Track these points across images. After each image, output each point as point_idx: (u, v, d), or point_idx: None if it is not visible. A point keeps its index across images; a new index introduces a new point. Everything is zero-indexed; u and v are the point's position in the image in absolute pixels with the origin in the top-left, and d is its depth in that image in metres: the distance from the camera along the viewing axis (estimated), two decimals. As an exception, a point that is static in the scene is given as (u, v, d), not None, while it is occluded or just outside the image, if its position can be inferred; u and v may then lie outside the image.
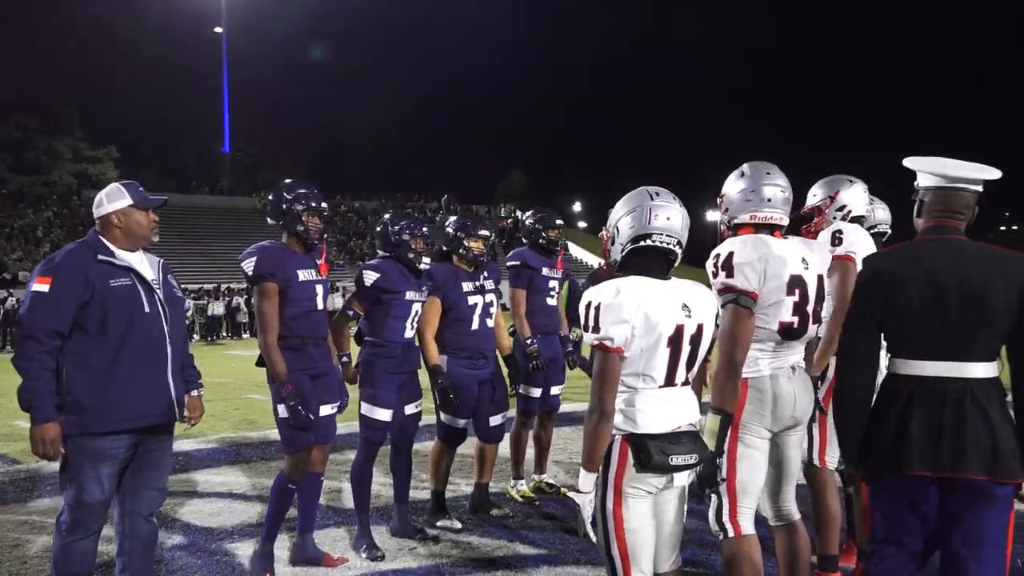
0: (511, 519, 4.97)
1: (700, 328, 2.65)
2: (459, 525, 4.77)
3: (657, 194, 2.67)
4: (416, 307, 4.53)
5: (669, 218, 2.63)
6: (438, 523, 4.80)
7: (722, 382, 2.89)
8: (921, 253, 2.52)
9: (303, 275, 4.00)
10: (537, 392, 5.35)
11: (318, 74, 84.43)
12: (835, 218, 4.00)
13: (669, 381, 2.60)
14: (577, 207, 65.99)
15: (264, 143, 65.32)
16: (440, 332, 4.72)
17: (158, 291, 3.27)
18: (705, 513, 3.14)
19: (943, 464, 2.36)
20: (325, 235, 4.23)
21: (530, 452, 5.59)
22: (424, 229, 4.55)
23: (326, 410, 4.11)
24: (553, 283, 5.37)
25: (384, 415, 4.45)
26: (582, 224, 62.18)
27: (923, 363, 2.45)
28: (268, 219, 4.16)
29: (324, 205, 4.13)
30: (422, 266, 4.51)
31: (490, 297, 4.85)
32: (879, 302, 2.52)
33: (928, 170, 2.56)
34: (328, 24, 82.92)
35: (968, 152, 2.91)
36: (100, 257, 3.16)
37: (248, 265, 3.93)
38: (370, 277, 4.43)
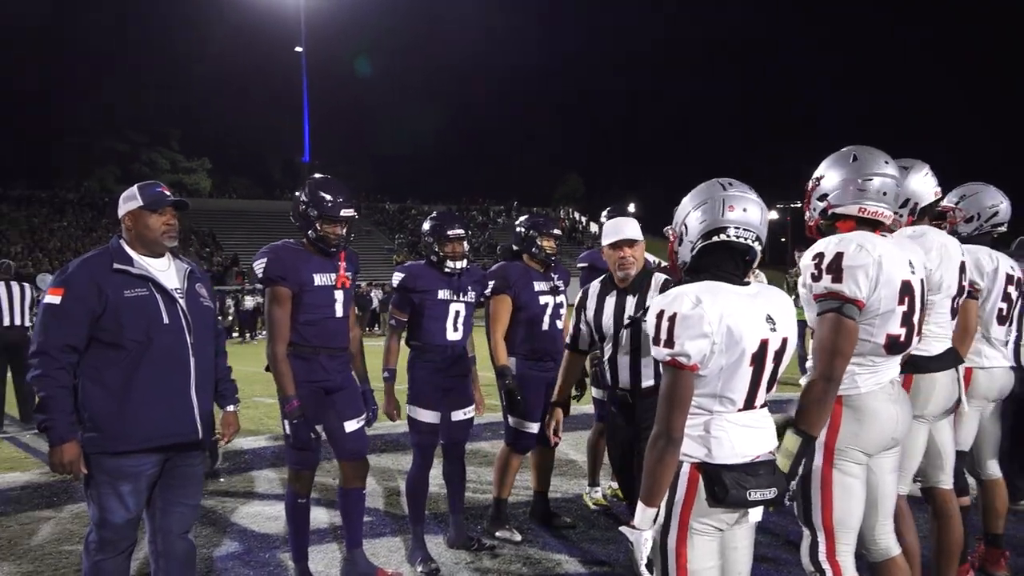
0: (573, 530, 4.43)
1: (785, 343, 2.14)
2: (519, 537, 4.26)
3: (730, 184, 2.19)
4: (455, 308, 3.99)
5: (746, 209, 2.13)
6: (497, 533, 4.30)
7: (816, 401, 2.30)
8: None
9: (319, 279, 3.48)
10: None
11: (389, 87, 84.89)
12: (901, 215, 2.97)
13: (749, 404, 2.10)
14: (631, 207, 64.85)
15: (341, 153, 66.06)
16: (509, 332, 4.24)
17: (180, 301, 2.82)
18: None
19: None
20: (352, 238, 3.61)
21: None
22: (458, 232, 3.97)
23: (351, 425, 3.60)
24: None
25: (427, 416, 3.94)
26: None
27: None
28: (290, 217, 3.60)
29: (348, 213, 3.48)
30: (447, 269, 3.96)
31: (560, 298, 4.38)
32: None
33: None
34: (396, 40, 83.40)
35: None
36: (116, 266, 2.73)
37: (259, 266, 3.43)
38: (396, 278, 4.00)
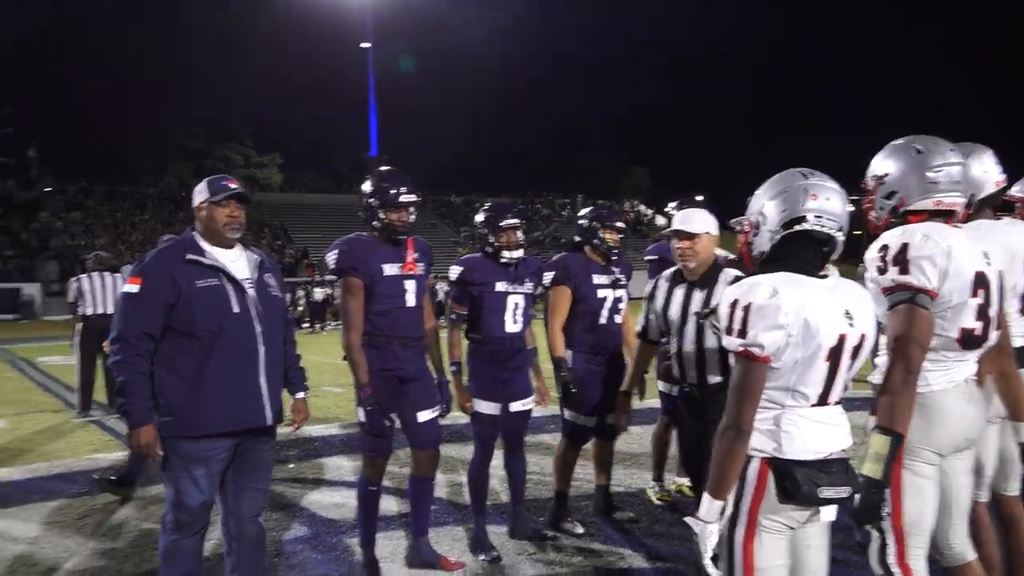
0: (636, 525, 4.41)
1: (863, 339, 2.08)
2: (581, 530, 4.25)
3: (811, 173, 2.13)
4: (513, 299, 4.00)
5: (828, 198, 2.08)
6: (559, 525, 4.31)
7: (895, 395, 2.22)
8: None
9: (389, 269, 3.55)
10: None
11: (455, 81, 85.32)
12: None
13: (823, 400, 2.05)
14: (699, 198, 63.79)
15: (407, 147, 66.71)
16: (567, 325, 4.23)
17: (250, 291, 2.91)
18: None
19: None
20: (412, 222, 3.63)
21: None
22: (512, 221, 3.95)
23: (424, 416, 3.67)
24: None
25: (487, 407, 3.98)
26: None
27: None
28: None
29: (409, 198, 3.52)
30: (503, 260, 3.96)
31: (620, 292, 4.31)
32: None
33: None
34: (463, 34, 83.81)
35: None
36: (189, 256, 2.84)
37: (331, 258, 3.55)
38: (454, 272, 4.03)
